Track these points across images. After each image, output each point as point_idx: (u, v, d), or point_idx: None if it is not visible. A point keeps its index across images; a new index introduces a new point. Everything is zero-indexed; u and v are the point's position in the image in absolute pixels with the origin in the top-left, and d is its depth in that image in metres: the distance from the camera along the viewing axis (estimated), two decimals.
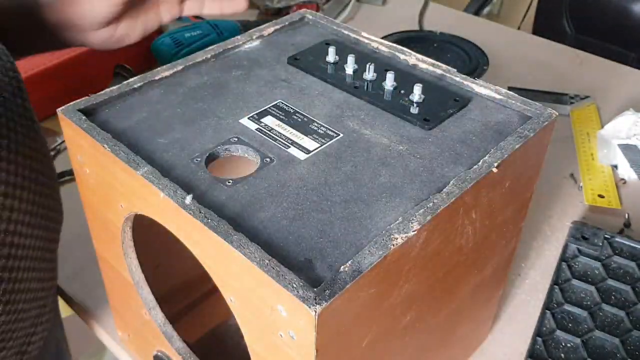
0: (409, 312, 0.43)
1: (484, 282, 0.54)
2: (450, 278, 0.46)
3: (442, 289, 0.46)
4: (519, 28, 1.83)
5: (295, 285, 0.33)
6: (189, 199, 0.38)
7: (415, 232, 0.37)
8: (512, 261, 0.60)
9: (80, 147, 0.46)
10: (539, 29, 1.69)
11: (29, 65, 0.90)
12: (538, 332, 0.62)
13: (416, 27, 1.20)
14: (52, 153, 0.86)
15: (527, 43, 1.20)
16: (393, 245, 0.36)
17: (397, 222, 0.37)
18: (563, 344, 0.61)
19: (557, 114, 0.49)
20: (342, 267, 0.34)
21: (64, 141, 0.90)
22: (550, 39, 1.20)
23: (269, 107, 0.49)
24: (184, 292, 0.65)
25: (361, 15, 1.28)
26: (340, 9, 1.28)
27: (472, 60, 1.02)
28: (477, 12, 1.56)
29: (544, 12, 1.67)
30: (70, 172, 0.85)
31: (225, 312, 0.56)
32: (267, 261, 0.34)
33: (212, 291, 0.67)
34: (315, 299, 0.32)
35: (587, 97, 1.01)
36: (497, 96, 0.50)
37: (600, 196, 0.82)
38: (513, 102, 0.49)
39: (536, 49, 1.17)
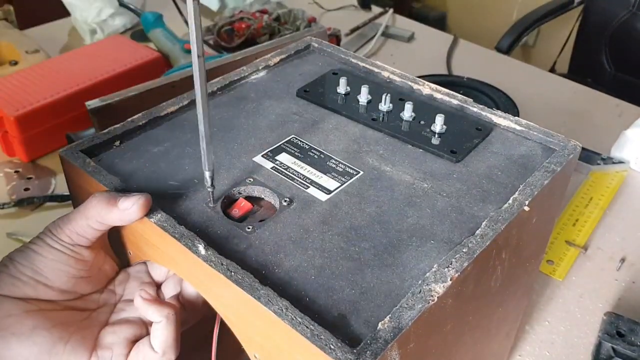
0: None
1: (505, 317, 0.52)
2: (476, 320, 0.44)
3: (469, 332, 0.44)
4: (555, 62, 1.72)
5: (332, 347, 0.30)
6: (202, 249, 0.36)
7: (453, 281, 0.35)
8: (531, 292, 0.59)
9: (84, 191, 0.43)
10: (576, 65, 1.62)
11: (28, 100, 0.87)
12: None
13: (443, 66, 1.15)
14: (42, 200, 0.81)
15: (562, 89, 1.10)
16: (432, 297, 0.33)
17: (433, 270, 0.35)
18: None
19: (581, 145, 0.47)
20: (380, 323, 0.32)
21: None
22: (587, 75, 1.12)
23: (282, 144, 0.46)
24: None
25: (385, 51, 1.21)
26: (362, 42, 1.22)
27: (501, 111, 1.00)
28: (511, 46, 1.48)
29: (582, 47, 1.58)
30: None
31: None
32: (299, 319, 0.32)
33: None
34: None
35: (621, 162, 0.89)
36: (518, 127, 0.49)
37: (549, 262, 0.74)
38: (535, 133, 0.48)
39: (572, 97, 1.08)
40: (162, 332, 0.40)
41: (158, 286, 0.45)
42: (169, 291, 0.44)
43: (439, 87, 0.53)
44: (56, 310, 0.39)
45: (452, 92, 0.52)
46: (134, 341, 0.41)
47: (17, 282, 0.37)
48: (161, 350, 0.40)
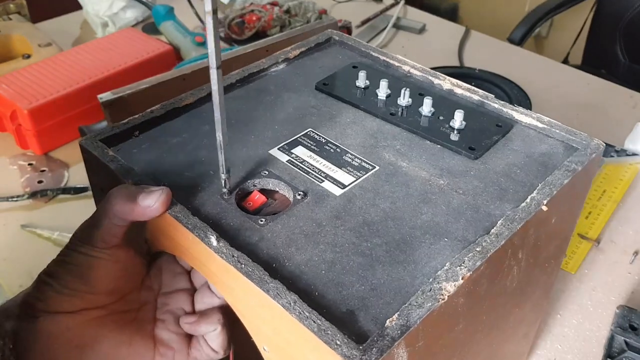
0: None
1: (522, 317, 0.52)
2: (490, 320, 0.44)
3: (483, 332, 0.43)
4: (568, 54, 1.69)
5: (339, 342, 0.30)
6: (214, 240, 0.36)
7: (465, 280, 0.34)
8: (551, 293, 0.58)
9: (103, 180, 0.44)
10: (589, 56, 1.59)
11: (41, 93, 0.88)
12: None
13: (455, 58, 1.14)
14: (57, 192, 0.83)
15: (575, 80, 1.09)
16: (442, 295, 0.33)
17: (445, 268, 0.35)
18: None
19: (604, 144, 0.46)
20: (388, 320, 0.32)
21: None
22: (601, 67, 1.11)
23: (299, 137, 0.46)
24: None
25: (396, 42, 1.20)
26: (373, 34, 1.21)
27: (513, 103, 0.99)
28: (523, 37, 1.45)
29: (596, 38, 1.54)
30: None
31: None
32: (307, 313, 0.32)
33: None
34: (361, 359, 0.29)
35: (635, 154, 0.88)
36: (540, 124, 0.48)
37: None
38: (557, 131, 0.47)
39: (585, 88, 1.06)
40: (219, 336, 0.42)
41: (188, 273, 0.45)
42: (199, 279, 0.45)
43: (459, 82, 0.52)
44: (106, 316, 0.39)
45: (473, 88, 0.51)
46: (190, 335, 0.43)
47: (66, 297, 0.37)
48: (222, 350, 0.42)
